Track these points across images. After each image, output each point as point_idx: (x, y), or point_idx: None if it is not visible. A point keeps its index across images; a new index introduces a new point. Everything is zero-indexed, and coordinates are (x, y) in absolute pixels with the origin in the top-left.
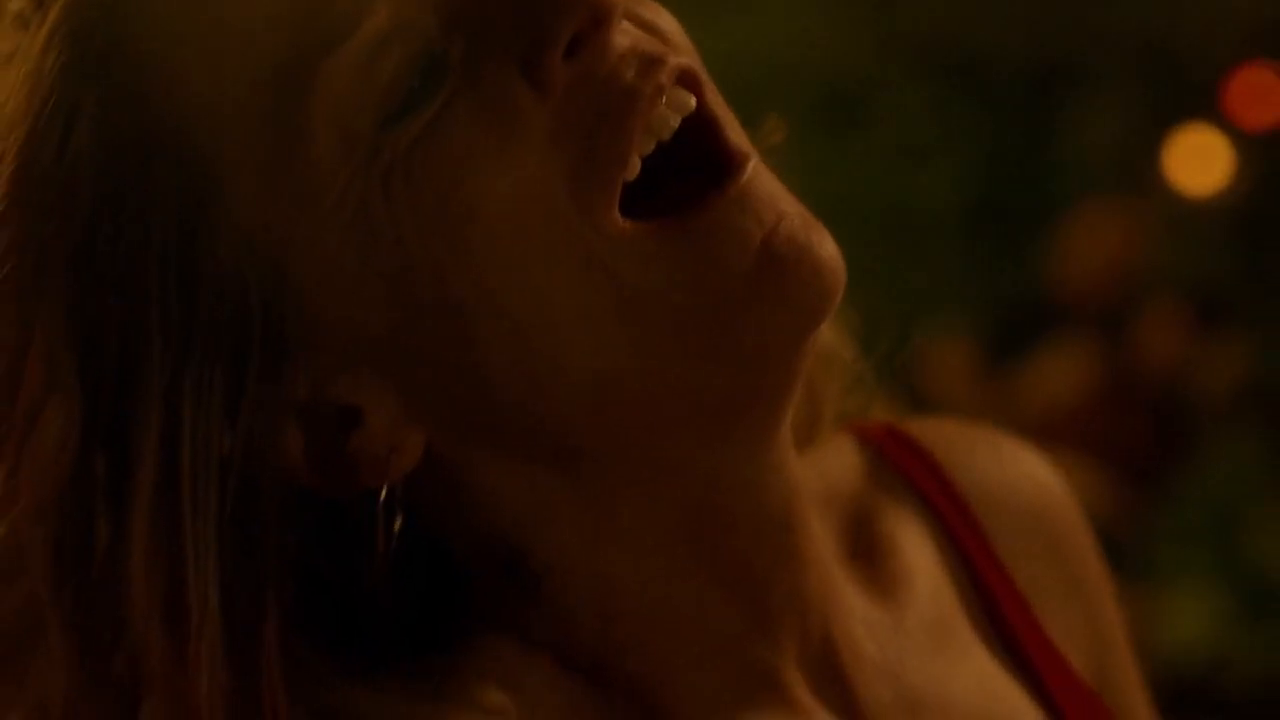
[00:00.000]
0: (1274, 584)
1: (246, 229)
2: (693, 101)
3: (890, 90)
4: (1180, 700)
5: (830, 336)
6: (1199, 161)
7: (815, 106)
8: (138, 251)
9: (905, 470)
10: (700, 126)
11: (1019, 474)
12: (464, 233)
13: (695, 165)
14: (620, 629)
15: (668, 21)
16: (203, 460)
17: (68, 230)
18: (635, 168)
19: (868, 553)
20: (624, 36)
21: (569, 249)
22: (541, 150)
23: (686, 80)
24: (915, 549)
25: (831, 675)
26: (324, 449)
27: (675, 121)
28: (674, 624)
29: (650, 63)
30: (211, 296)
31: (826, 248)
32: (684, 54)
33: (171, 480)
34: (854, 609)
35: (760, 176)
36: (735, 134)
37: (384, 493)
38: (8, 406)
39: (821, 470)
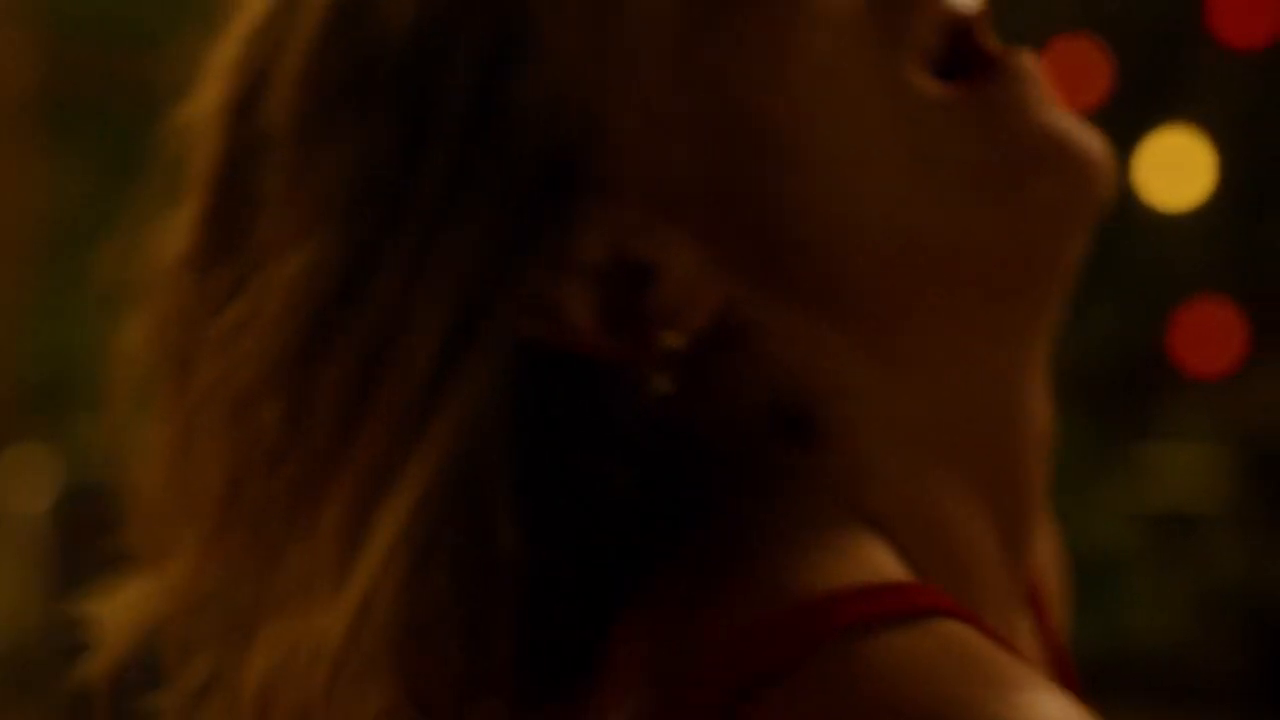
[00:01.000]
0: (1101, 564)
1: (560, 70)
2: None
3: None
4: None
5: None
6: None
7: None
8: (442, 88)
9: None
10: (969, 33)
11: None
12: (782, 71)
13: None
14: (913, 487)
15: None
16: (444, 306)
17: (379, 63)
18: (935, 36)
19: None
20: None
21: (881, 99)
22: (855, 5)
23: None
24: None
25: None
26: (614, 308)
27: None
28: (954, 510)
29: None
30: (510, 140)
31: (1101, 144)
32: None
33: (397, 321)
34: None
35: (1038, 73)
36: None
37: (661, 351)
38: (276, 233)
39: None
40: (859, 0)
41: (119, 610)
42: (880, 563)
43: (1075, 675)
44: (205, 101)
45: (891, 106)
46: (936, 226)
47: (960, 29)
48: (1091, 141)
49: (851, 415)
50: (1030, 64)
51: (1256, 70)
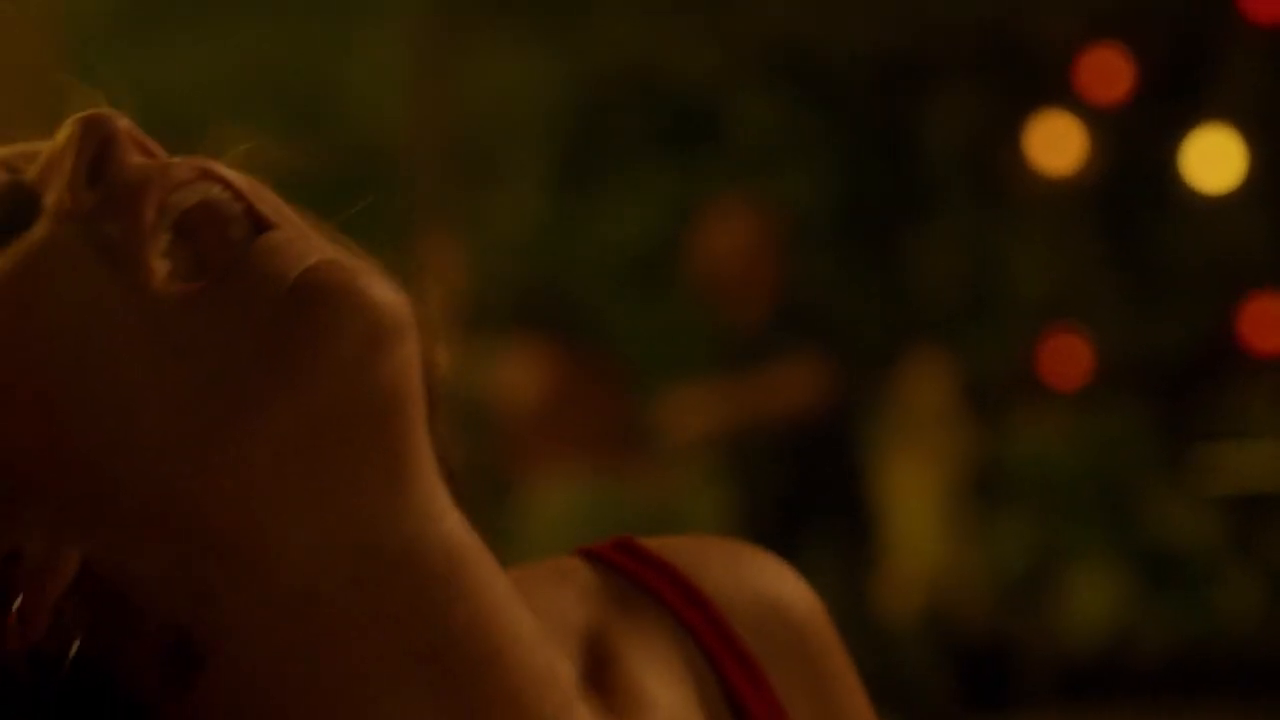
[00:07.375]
0: (1182, 554)
1: None
2: (214, 189)
3: (739, 99)
4: (1088, 676)
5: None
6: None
7: (668, 120)
8: None
9: (649, 585)
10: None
11: (769, 583)
12: (34, 340)
13: None
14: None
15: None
16: None
17: None
18: (163, 241)
19: (608, 681)
20: (139, 157)
21: (123, 327)
22: (85, 257)
23: (208, 175)
24: (661, 671)
25: None
26: None
27: (191, 198)
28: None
29: (161, 167)
30: None
31: (375, 287)
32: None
33: None
34: None
35: (300, 235)
36: (268, 207)
37: (51, 619)
38: None
39: (551, 597)
40: (87, 257)
41: None
42: None
43: None
44: None
45: (135, 330)
46: (237, 430)
47: (209, 217)
48: (343, 282)
49: (227, 640)
50: (289, 230)
51: None
